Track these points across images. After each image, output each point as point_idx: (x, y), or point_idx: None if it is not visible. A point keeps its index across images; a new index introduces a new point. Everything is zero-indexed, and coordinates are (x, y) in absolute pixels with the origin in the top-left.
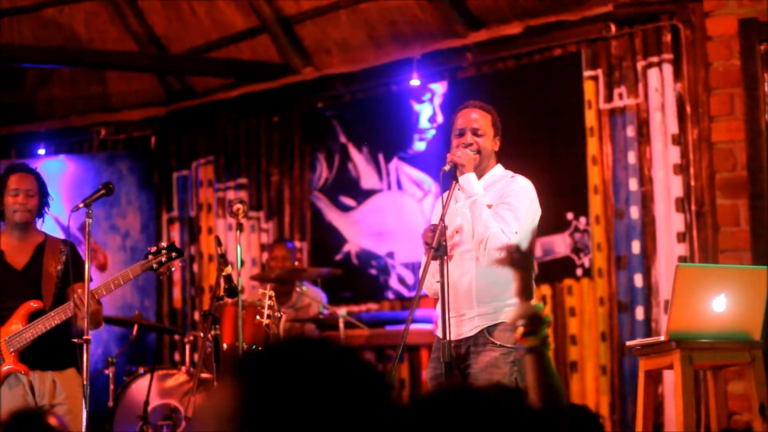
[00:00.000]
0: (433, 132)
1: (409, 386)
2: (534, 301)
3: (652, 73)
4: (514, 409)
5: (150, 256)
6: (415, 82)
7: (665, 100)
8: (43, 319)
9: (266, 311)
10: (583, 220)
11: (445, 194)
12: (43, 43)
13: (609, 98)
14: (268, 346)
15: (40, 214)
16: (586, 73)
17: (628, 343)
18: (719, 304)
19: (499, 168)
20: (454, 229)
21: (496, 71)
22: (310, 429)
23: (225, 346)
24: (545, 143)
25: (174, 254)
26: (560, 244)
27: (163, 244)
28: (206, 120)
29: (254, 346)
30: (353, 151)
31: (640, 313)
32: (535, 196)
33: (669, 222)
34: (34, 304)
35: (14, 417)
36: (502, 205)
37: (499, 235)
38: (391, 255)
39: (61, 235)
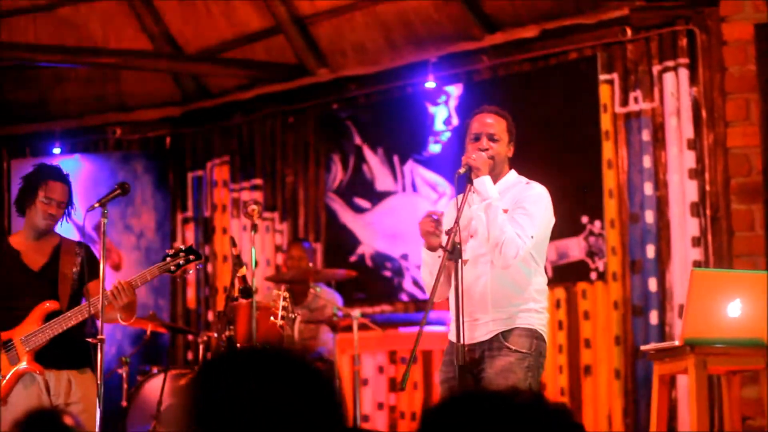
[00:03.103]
0: (448, 134)
1: (423, 389)
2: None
3: (668, 77)
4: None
5: (168, 258)
6: (430, 84)
7: (681, 104)
8: (60, 320)
9: (280, 312)
10: (597, 223)
11: (460, 197)
12: (59, 43)
13: (624, 102)
14: (226, 353)
15: (64, 219)
16: (602, 77)
17: (642, 347)
18: (734, 310)
19: (513, 174)
20: (468, 233)
21: (512, 74)
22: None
23: (239, 346)
24: (560, 147)
25: (192, 257)
26: (575, 248)
27: (182, 246)
28: (221, 120)
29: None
30: (368, 153)
31: (654, 317)
32: (550, 202)
33: (684, 226)
34: (50, 305)
35: (30, 416)
36: (518, 210)
37: (515, 240)
38: (405, 257)
39: (76, 234)
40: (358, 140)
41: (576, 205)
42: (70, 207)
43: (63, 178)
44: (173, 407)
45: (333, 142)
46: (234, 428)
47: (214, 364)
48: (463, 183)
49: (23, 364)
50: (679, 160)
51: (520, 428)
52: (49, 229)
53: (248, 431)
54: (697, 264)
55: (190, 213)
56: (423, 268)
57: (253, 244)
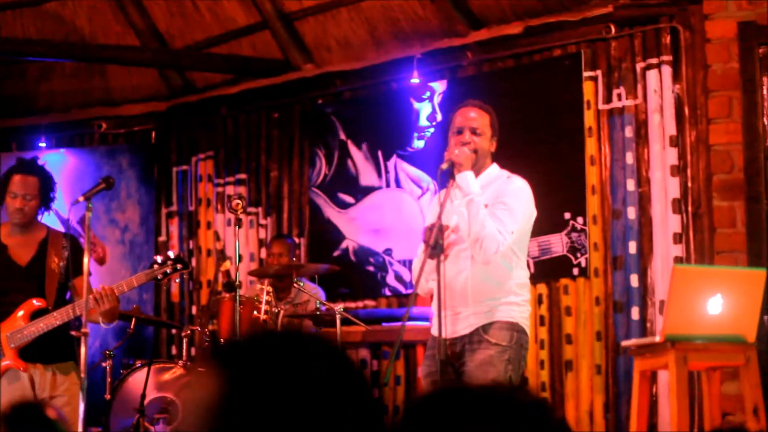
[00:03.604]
0: (432, 130)
1: (405, 383)
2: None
3: (651, 74)
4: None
5: (156, 266)
6: (415, 80)
7: (664, 101)
8: (45, 318)
9: (263, 306)
10: (580, 219)
11: (442, 192)
12: (46, 37)
13: (608, 99)
14: (256, 336)
15: (46, 207)
16: (586, 74)
17: (624, 343)
18: (715, 306)
19: (495, 168)
20: (451, 229)
21: (496, 70)
22: (288, 423)
23: (222, 340)
24: (544, 143)
25: (180, 266)
26: (557, 244)
27: (171, 254)
28: (206, 115)
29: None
30: (352, 148)
31: (635, 313)
32: (531, 196)
33: (666, 223)
34: (36, 303)
35: (14, 410)
36: (498, 204)
37: (495, 235)
38: (388, 252)
39: (61, 228)
40: (342, 135)
41: (558, 201)
42: (49, 195)
43: (29, 170)
44: (190, 397)
45: (317, 137)
46: (266, 421)
47: (245, 349)
48: (445, 178)
49: (7, 361)
50: (662, 156)
51: (501, 422)
52: (22, 224)
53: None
54: (678, 260)
55: (174, 207)
56: (416, 260)
57: (237, 238)
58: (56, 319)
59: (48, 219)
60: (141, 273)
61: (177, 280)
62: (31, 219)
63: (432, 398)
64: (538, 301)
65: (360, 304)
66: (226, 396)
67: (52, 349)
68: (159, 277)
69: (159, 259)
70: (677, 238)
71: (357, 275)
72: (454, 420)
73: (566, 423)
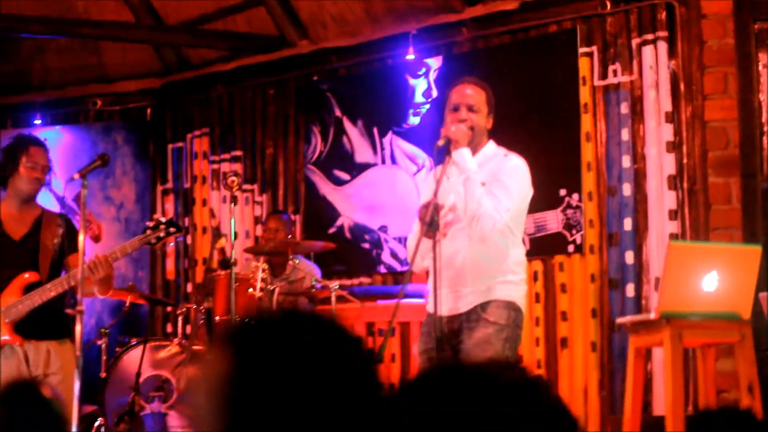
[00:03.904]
0: (427, 107)
1: (400, 360)
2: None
3: (647, 50)
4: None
5: (148, 231)
6: (410, 56)
7: (659, 77)
8: (39, 291)
9: (259, 284)
10: (576, 196)
11: (438, 169)
12: (40, 14)
13: (603, 75)
14: (261, 316)
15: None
16: (581, 50)
17: (619, 320)
18: (710, 283)
19: (491, 145)
20: (448, 207)
21: (492, 47)
22: (298, 404)
23: (217, 318)
24: (539, 119)
25: (172, 229)
26: (552, 221)
27: (162, 218)
28: (202, 92)
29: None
30: (348, 125)
31: (630, 290)
32: (527, 174)
33: (661, 199)
34: (30, 276)
35: (9, 387)
36: (494, 182)
37: (492, 213)
38: (384, 229)
39: (56, 205)
40: (338, 112)
41: (554, 177)
42: (50, 173)
43: (43, 144)
44: (197, 378)
45: (313, 113)
46: (272, 404)
47: (253, 329)
48: (442, 155)
49: (3, 336)
50: (657, 133)
51: (499, 401)
52: (35, 193)
53: (288, 404)
54: (673, 237)
55: (170, 185)
56: (410, 237)
57: (232, 215)
58: (50, 291)
59: (43, 197)
60: (134, 239)
61: (171, 244)
62: (39, 192)
63: (428, 376)
64: (534, 278)
65: (355, 281)
66: (231, 376)
67: (47, 326)
68: (153, 242)
69: (151, 224)
70: (673, 215)
71: (352, 252)
72: (449, 398)
73: (561, 401)
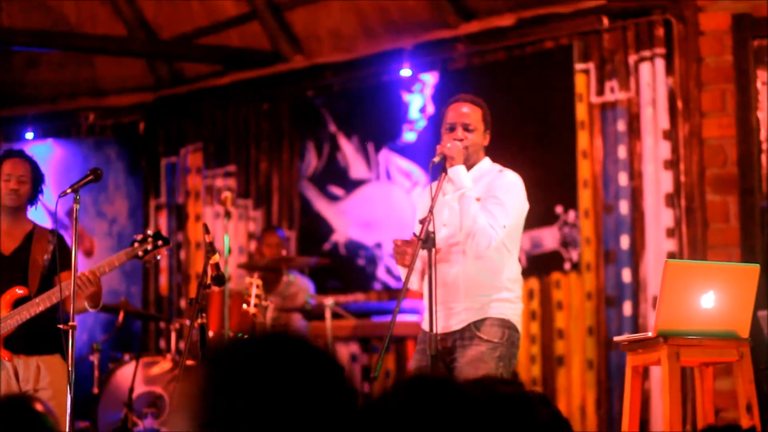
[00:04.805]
0: (423, 123)
1: (395, 377)
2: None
3: (644, 67)
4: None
5: (136, 244)
6: (405, 72)
7: (657, 94)
8: (28, 306)
9: (253, 300)
10: (572, 213)
11: (434, 185)
12: (32, 26)
13: (600, 92)
14: (239, 340)
15: (32, 201)
16: (578, 66)
17: (616, 338)
18: (708, 301)
19: (487, 161)
20: (442, 223)
21: (488, 63)
22: (270, 422)
23: (211, 334)
24: (535, 136)
25: (160, 242)
26: (549, 238)
27: (150, 231)
28: (195, 106)
29: (240, 335)
30: (342, 141)
31: (627, 308)
32: (523, 190)
33: (658, 217)
34: (19, 291)
35: (1, 403)
36: (490, 199)
37: (487, 230)
38: (378, 245)
39: (48, 219)
40: (332, 128)
41: (550, 195)
42: (39, 186)
43: (22, 156)
44: (178, 393)
45: (307, 129)
46: (250, 419)
47: (231, 351)
48: (437, 172)
49: None
50: (655, 150)
51: (472, 417)
52: (16, 205)
53: (266, 421)
54: (671, 255)
55: (163, 199)
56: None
57: (226, 231)
58: (39, 305)
59: (35, 213)
60: (121, 252)
61: (159, 257)
62: (23, 204)
63: (403, 387)
64: (530, 295)
65: (350, 297)
66: (212, 394)
67: (36, 341)
68: (140, 255)
69: (139, 237)
70: (670, 233)
71: (347, 269)
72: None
73: (560, 415)
